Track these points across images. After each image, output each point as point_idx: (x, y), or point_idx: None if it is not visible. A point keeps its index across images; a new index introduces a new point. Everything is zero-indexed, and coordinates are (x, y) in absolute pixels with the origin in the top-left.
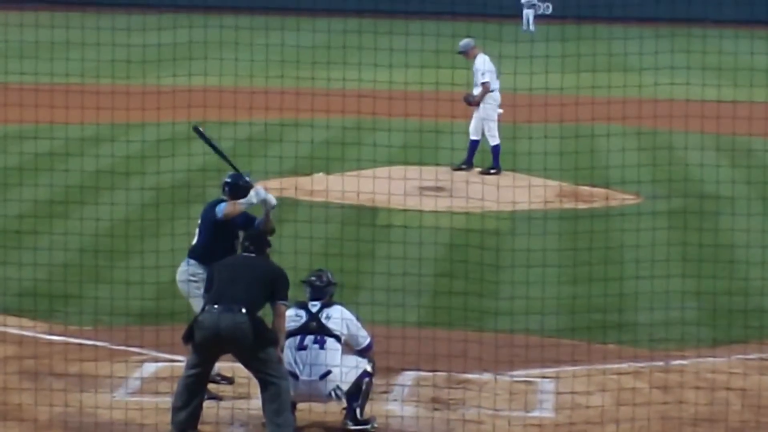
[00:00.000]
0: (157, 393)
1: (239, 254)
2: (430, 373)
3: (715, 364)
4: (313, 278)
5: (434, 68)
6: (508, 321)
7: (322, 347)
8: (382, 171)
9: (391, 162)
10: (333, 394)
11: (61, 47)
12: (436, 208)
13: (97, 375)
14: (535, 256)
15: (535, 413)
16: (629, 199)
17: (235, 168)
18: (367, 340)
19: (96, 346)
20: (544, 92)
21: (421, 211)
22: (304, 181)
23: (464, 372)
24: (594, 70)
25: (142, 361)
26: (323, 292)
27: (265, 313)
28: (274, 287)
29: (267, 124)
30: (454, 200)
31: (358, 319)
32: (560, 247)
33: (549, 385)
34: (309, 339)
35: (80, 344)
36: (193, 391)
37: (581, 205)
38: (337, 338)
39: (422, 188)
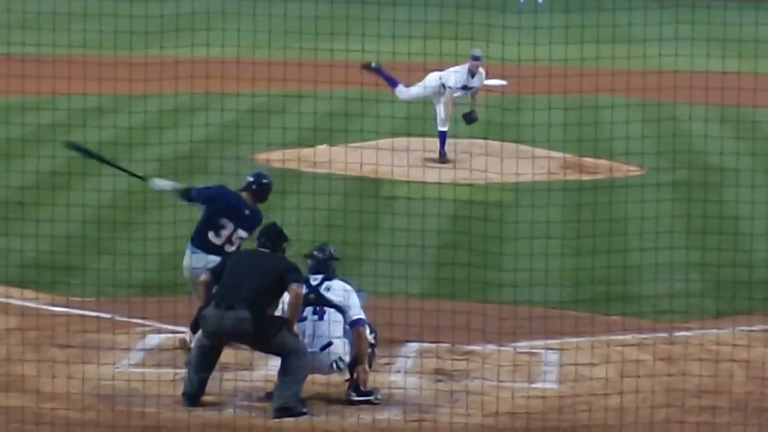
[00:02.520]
0: (159, 365)
1: (254, 249)
2: (434, 345)
3: (719, 335)
4: (316, 252)
5: (437, 39)
6: (511, 293)
7: (321, 318)
8: (386, 142)
9: (394, 134)
10: (335, 365)
11: (64, 18)
12: (439, 180)
13: (99, 346)
14: (538, 228)
15: (539, 384)
16: (633, 171)
17: (131, 174)
18: (358, 316)
19: (99, 318)
20: (548, 63)
21: (424, 183)
22: (307, 153)
23: (468, 343)
24: (598, 41)
25: (145, 333)
26: (325, 266)
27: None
28: (284, 282)
29: (270, 96)
30: (457, 172)
31: (359, 293)
32: (564, 219)
33: (552, 357)
34: (308, 311)
35: (83, 316)
36: (207, 362)
37: (585, 177)
38: (338, 308)
39: (426, 160)
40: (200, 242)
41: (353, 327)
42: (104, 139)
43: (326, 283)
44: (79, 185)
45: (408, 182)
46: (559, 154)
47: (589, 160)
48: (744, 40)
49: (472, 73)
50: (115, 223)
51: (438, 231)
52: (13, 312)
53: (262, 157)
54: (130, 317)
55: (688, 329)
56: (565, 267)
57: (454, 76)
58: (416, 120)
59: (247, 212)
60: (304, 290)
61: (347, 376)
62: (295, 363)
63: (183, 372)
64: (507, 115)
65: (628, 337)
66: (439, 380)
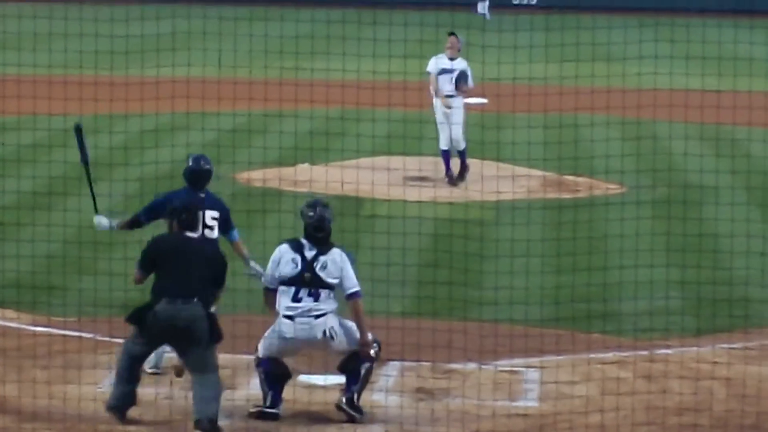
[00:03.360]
0: (141, 385)
1: (183, 235)
2: (415, 363)
3: (700, 353)
4: (317, 232)
5: (418, 58)
6: (492, 311)
7: (316, 300)
8: (366, 161)
9: (374, 152)
10: (327, 332)
11: (44, 38)
12: (420, 198)
13: (81, 366)
14: (519, 246)
15: (520, 403)
16: (613, 189)
17: (92, 196)
18: (356, 288)
19: (80, 338)
20: (527, 82)
21: (405, 201)
22: (288, 172)
23: (449, 362)
24: (578, 59)
25: None
26: (320, 241)
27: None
28: (217, 274)
29: (251, 115)
30: (438, 190)
31: (353, 263)
32: (544, 237)
33: (533, 375)
34: (303, 292)
35: (64, 335)
36: (137, 369)
37: (565, 195)
38: (331, 288)
39: (406, 178)
40: None
41: (350, 300)
42: None
43: (321, 259)
44: (60, 205)
45: (388, 201)
46: (540, 173)
47: (569, 178)
48: (723, 58)
49: (451, 57)
50: (95, 243)
51: (419, 249)
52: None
53: (243, 176)
54: (112, 337)
55: (668, 347)
56: (545, 285)
57: (433, 60)
58: (396, 139)
59: (201, 195)
60: (300, 267)
61: (337, 345)
62: (217, 382)
63: (164, 391)
64: (487, 133)
65: (609, 354)
66: (421, 399)
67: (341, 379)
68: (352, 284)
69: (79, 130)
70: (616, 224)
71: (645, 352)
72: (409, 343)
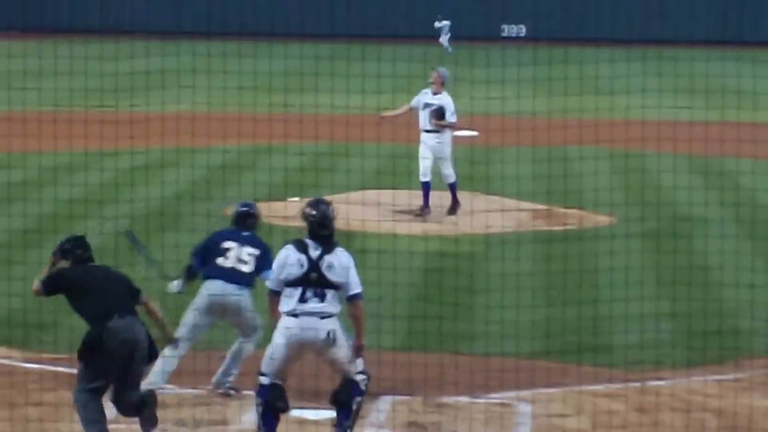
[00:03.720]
0: (134, 421)
1: (90, 265)
2: (407, 398)
3: (691, 385)
4: (321, 230)
5: (406, 93)
6: (483, 344)
7: (322, 300)
8: (356, 196)
9: (364, 187)
10: (331, 335)
11: (34, 76)
12: (410, 232)
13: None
14: (509, 279)
15: None
16: (603, 221)
17: (154, 263)
18: (359, 289)
19: (72, 374)
20: (516, 115)
21: (395, 235)
22: (278, 207)
23: (440, 396)
24: (566, 93)
25: None
26: (325, 240)
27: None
28: (136, 290)
29: (240, 151)
30: (428, 224)
31: (355, 264)
32: (534, 270)
33: (525, 408)
34: (309, 292)
35: (56, 372)
36: (101, 406)
37: (555, 227)
38: (336, 288)
39: (396, 212)
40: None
41: (352, 300)
42: (75, 196)
43: (327, 259)
44: (51, 243)
45: (379, 235)
46: (529, 205)
47: (559, 210)
48: (711, 90)
49: (434, 92)
50: None
51: (409, 284)
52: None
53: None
54: None
55: (659, 379)
56: (536, 318)
57: (419, 95)
58: (386, 174)
59: (245, 233)
60: (306, 267)
61: (338, 353)
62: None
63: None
64: (476, 166)
65: (600, 387)
66: None
67: (332, 413)
68: (356, 285)
69: (131, 235)
70: (606, 257)
71: (637, 384)
72: (401, 377)
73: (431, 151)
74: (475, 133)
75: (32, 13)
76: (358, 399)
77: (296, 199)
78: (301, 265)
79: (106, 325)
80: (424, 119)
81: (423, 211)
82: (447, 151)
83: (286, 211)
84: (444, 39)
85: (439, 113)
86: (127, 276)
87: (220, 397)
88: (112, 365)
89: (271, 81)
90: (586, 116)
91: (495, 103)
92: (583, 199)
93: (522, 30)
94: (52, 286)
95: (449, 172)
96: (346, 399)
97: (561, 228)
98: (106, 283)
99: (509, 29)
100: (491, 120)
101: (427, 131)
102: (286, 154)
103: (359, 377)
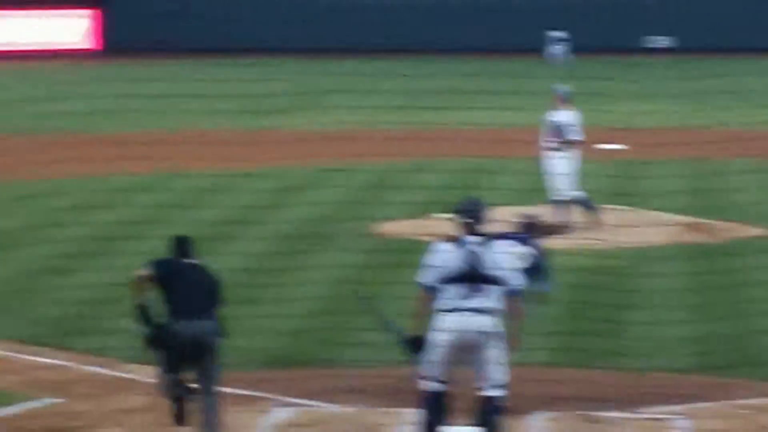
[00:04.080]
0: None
1: (188, 262)
2: (559, 414)
3: None
4: (472, 221)
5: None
6: (634, 360)
7: (480, 295)
8: (501, 212)
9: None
10: (490, 330)
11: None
12: (561, 247)
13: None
14: (661, 294)
15: None
16: (759, 235)
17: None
18: (519, 282)
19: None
20: (663, 127)
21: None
22: (424, 224)
23: (596, 411)
24: (714, 105)
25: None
26: (481, 232)
27: None
28: (219, 289)
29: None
30: (576, 240)
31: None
32: (686, 285)
33: (685, 423)
34: (467, 288)
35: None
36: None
37: (707, 241)
38: (495, 283)
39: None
40: None
41: (511, 296)
42: (217, 218)
43: (483, 253)
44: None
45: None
46: (680, 218)
47: (710, 223)
48: None
49: (555, 109)
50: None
51: (562, 300)
52: (139, 390)
53: (378, 230)
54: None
55: None
56: (688, 333)
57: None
58: (525, 191)
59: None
60: (465, 263)
61: (493, 350)
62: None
63: None
64: (626, 181)
65: (758, 401)
66: None
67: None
68: (515, 281)
69: (366, 300)
70: (763, 271)
71: None
72: (553, 393)
73: (562, 167)
74: (621, 146)
75: (185, 32)
76: (499, 417)
77: (442, 215)
78: (458, 260)
79: (169, 328)
80: (543, 136)
81: (566, 227)
82: (560, 166)
83: (432, 228)
84: (558, 49)
85: (559, 130)
86: (218, 283)
87: None
88: (181, 354)
89: (419, 98)
90: (736, 127)
91: (643, 116)
92: (736, 211)
93: (666, 41)
94: (157, 270)
95: (560, 188)
96: (489, 416)
97: (714, 241)
98: (191, 284)
99: (653, 40)
100: (641, 133)
101: (548, 148)
102: (434, 172)
103: (498, 392)
